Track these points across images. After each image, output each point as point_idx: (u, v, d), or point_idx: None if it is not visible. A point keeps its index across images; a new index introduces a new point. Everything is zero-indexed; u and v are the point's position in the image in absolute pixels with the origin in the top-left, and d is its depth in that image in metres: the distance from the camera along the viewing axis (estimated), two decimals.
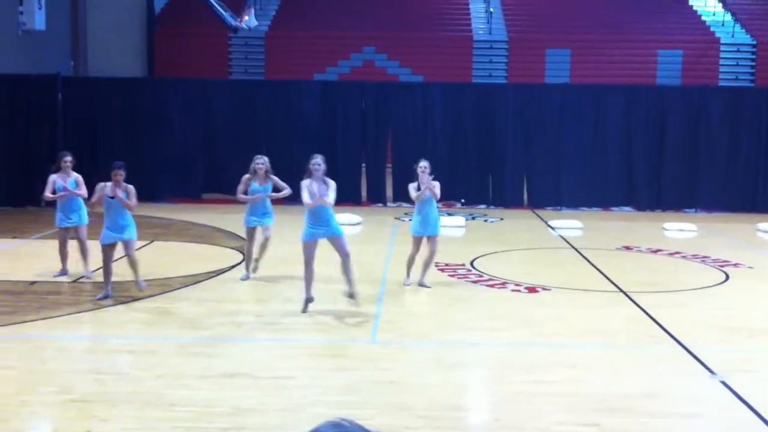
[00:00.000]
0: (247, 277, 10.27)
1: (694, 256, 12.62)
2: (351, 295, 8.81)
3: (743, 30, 28.81)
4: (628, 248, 13.29)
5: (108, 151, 17.05)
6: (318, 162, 8.85)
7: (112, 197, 9.07)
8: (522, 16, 29.74)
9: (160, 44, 26.86)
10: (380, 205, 18.07)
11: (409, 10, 29.40)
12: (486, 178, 18.22)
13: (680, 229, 15.30)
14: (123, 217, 9.15)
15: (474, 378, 7.16)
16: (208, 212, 16.10)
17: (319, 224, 8.68)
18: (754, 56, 28.01)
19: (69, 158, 10.26)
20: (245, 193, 10.08)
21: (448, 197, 17.60)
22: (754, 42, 28.00)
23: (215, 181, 17.96)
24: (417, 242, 10.07)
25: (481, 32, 28.85)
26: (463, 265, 11.55)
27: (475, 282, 10.45)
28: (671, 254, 12.82)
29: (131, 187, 9.19)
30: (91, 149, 17.30)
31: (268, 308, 9.07)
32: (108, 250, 9.14)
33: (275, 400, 6.26)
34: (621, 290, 10.08)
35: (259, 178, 10.09)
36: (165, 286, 9.90)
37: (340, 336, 8.05)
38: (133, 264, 9.22)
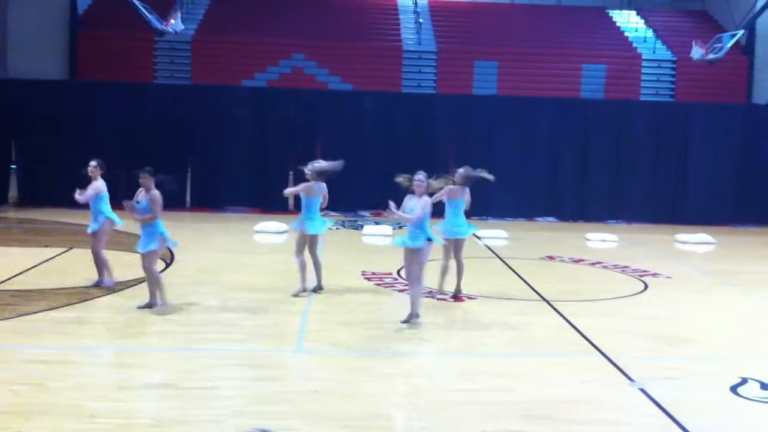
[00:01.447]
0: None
1: (615, 265, 12.92)
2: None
3: (664, 46, 29.70)
4: (551, 258, 13.52)
5: (28, 155, 16.58)
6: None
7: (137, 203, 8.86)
8: (451, 27, 30.06)
9: (84, 46, 26.21)
10: None
11: (339, 18, 29.42)
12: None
13: (602, 239, 15.65)
14: (142, 227, 8.94)
15: (400, 387, 7.14)
16: (130, 219, 15.70)
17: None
18: (674, 72, 28.89)
19: (94, 163, 10.05)
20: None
21: (377, 206, 17.66)
22: (675, 58, 28.87)
23: (138, 187, 17.56)
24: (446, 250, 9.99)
25: (410, 42, 29.04)
26: (390, 273, 11.56)
27: (401, 291, 10.47)
28: (593, 264, 13.10)
29: (154, 193, 8.93)
30: (6, 153, 16.77)
31: (191, 317, 8.90)
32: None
33: (198, 411, 6.14)
34: (544, 299, 10.23)
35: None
36: (84, 294, 9.64)
37: (264, 345, 7.95)
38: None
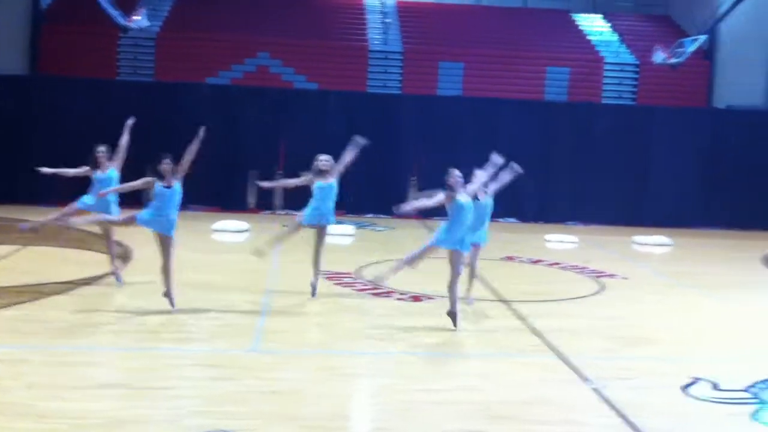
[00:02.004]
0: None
1: (573, 266, 13.04)
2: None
3: (627, 50, 30.03)
4: (510, 258, 13.61)
5: None
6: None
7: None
8: (417, 28, 30.11)
9: (47, 41, 25.83)
10: (269, 212, 17.91)
11: (305, 17, 29.32)
12: (378, 187, 18.33)
13: (561, 240, 15.80)
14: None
15: (360, 387, 7.16)
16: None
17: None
18: (636, 76, 29.21)
19: (102, 149, 10.13)
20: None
21: (339, 207, 17.63)
22: (637, 62, 29.19)
23: None
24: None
25: (377, 42, 29.04)
26: (350, 273, 11.57)
27: (360, 291, 10.48)
28: (551, 265, 13.22)
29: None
30: None
31: (147, 317, 8.82)
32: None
33: (153, 411, 6.09)
34: (503, 300, 10.30)
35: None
36: (37, 293, 9.50)
37: (222, 345, 7.91)
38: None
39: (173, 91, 18.50)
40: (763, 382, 7.33)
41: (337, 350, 7.93)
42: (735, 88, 28.75)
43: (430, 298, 10.26)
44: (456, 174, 8.93)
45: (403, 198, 18.35)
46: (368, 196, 17.83)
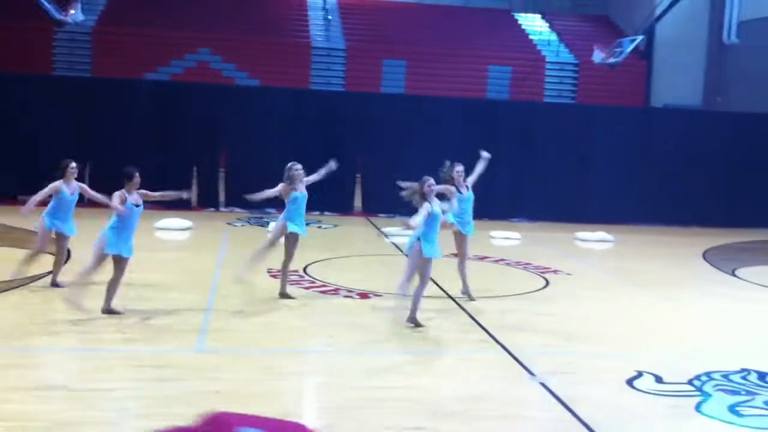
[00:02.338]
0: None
1: (517, 263, 13.16)
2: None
3: (567, 50, 30.47)
4: (455, 255, 13.63)
5: None
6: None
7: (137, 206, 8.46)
8: (360, 25, 30.09)
9: None
10: (212, 209, 17.68)
11: (246, 13, 29.06)
12: (322, 185, 18.17)
13: (506, 237, 15.93)
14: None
15: (305, 385, 7.10)
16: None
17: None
18: (576, 75, 29.67)
19: (74, 165, 9.66)
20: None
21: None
22: (577, 61, 29.65)
23: (34, 182, 16.92)
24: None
25: (319, 39, 28.94)
26: (296, 271, 11.47)
27: (307, 288, 10.41)
28: (496, 261, 13.31)
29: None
30: None
31: (90, 318, 8.60)
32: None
33: (94, 413, 5.94)
34: (450, 296, 10.33)
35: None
36: None
37: (165, 346, 7.75)
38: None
39: (111, 87, 18.12)
40: (706, 374, 7.48)
41: (283, 349, 7.84)
42: (672, 87, 29.45)
43: (377, 294, 10.23)
44: (430, 182, 8.93)
45: (347, 196, 18.35)
46: (312, 194, 17.67)
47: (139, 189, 8.63)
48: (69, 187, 9.62)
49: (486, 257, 13.62)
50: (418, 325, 8.66)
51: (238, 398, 6.37)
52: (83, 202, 10.05)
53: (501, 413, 6.37)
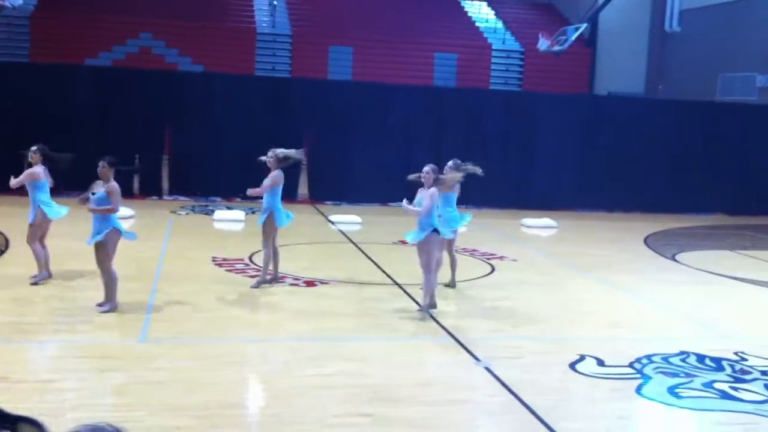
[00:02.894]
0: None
1: (464, 249, 13.22)
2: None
3: (513, 37, 30.68)
4: (404, 242, 13.65)
5: None
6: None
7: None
8: (306, 11, 29.89)
9: None
10: (155, 198, 17.40)
11: None
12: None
13: None
14: (95, 219, 8.30)
15: (251, 374, 7.04)
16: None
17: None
18: (522, 62, 29.91)
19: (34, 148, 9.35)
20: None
21: (229, 192, 17.32)
22: (523, 49, 29.88)
23: None
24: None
25: (264, 25, 28.67)
26: (242, 259, 11.37)
27: (253, 277, 10.31)
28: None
29: (112, 184, 8.37)
30: None
31: (27, 308, 8.41)
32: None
33: (32, 405, 5.78)
34: (397, 283, 10.34)
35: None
36: None
37: (106, 336, 7.61)
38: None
39: (50, 72, 17.67)
40: (646, 357, 7.61)
41: (227, 338, 7.76)
42: (615, 75, 29.89)
43: (324, 282, 10.19)
44: (429, 168, 8.99)
45: (293, 183, 18.21)
46: (258, 181, 17.49)
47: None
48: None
49: None
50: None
51: (180, 388, 6.29)
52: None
53: (447, 398, 6.40)
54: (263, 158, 9.91)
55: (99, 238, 8.23)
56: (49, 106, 17.06)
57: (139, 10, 27.00)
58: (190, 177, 17.61)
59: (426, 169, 9.02)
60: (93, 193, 8.33)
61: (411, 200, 8.93)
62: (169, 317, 8.29)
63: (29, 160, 9.40)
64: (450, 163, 10.09)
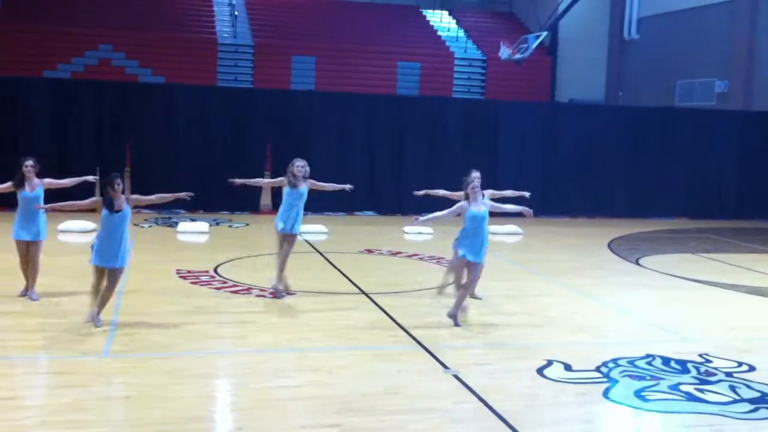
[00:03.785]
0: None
1: (430, 257, 13.24)
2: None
3: (474, 46, 30.85)
4: (370, 251, 13.66)
5: None
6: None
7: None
8: (268, 21, 29.80)
9: None
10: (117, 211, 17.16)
11: (149, 8, 28.40)
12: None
13: (419, 232, 16.00)
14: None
15: (216, 387, 6.95)
16: None
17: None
18: (484, 70, 30.08)
19: (31, 163, 9.12)
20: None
21: (192, 204, 17.12)
22: (485, 57, 30.05)
23: None
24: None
25: (226, 35, 28.51)
26: (207, 271, 11.25)
27: (218, 289, 10.21)
28: (410, 256, 13.36)
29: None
30: None
31: None
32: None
33: None
34: (363, 292, 10.30)
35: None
36: None
37: (68, 352, 7.46)
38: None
39: (7, 85, 17.39)
40: (613, 361, 7.65)
41: (192, 351, 7.66)
42: (576, 82, 30.20)
43: (290, 293, 10.11)
44: (475, 178, 9.15)
45: (257, 194, 18.11)
46: (221, 193, 17.35)
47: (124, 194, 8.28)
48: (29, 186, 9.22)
49: (399, 252, 13.66)
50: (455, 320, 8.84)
51: (144, 403, 6.19)
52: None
53: (415, 407, 6.37)
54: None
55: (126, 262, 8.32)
56: (8, 118, 16.79)
57: (98, 22, 26.71)
58: (152, 189, 17.32)
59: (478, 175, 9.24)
60: (118, 211, 8.20)
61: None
62: (132, 331, 8.15)
63: (25, 173, 9.18)
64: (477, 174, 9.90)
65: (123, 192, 8.28)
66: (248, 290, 10.21)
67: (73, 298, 9.35)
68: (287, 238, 9.92)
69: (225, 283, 10.61)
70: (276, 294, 9.78)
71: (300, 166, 9.98)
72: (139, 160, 17.77)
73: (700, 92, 26.31)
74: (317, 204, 18.10)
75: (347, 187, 10.29)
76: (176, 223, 15.65)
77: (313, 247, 14.00)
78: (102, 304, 8.23)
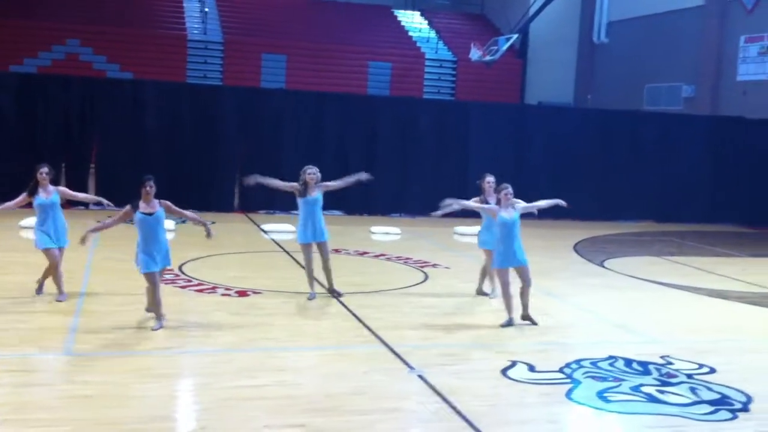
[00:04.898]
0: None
1: (397, 257, 13.26)
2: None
3: (446, 47, 30.95)
4: (337, 251, 13.61)
5: None
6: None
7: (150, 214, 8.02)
8: (238, 18, 29.65)
9: None
10: (81, 207, 16.98)
11: (118, 4, 28.14)
12: (199, 181, 17.81)
13: (386, 232, 16.04)
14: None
15: (180, 387, 6.91)
16: None
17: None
18: (454, 72, 30.19)
19: (45, 170, 8.98)
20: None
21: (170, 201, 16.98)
22: (455, 59, 30.16)
23: None
24: (488, 254, 10.01)
25: (195, 32, 28.33)
26: (172, 270, 11.15)
27: (183, 287, 10.15)
28: (377, 256, 13.38)
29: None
30: None
31: None
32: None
33: None
34: (329, 291, 10.27)
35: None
36: None
37: (33, 349, 7.38)
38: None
39: None
40: (576, 362, 7.72)
41: (155, 350, 7.60)
42: (545, 85, 30.41)
43: (256, 292, 10.08)
44: (508, 190, 9.26)
45: (227, 193, 18.02)
46: (189, 191, 17.23)
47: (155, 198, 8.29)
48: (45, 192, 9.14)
49: (366, 252, 13.67)
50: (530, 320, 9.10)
51: (107, 402, 6.14)
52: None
53: (380, 407, 6.38)
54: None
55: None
56: None
57: (66, 16, 26.41)
58: (118, 186, 17.21)
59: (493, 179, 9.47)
60: (150, 213, 8.28)
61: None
62: (95, 330, 8.08)
63: (40, 180, 9.09)
64: (492, 179, 10.14)
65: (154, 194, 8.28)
66: (213, 289, 10.16)
67: (39, 296, 9.25)
68: (318, 247, 9.91)
69: (190, 281, 10.55)
70: (335, 295, 9.91)
71: (312, 173, 9.86)
72: (106, 157, 17.59)
73: (667, 96, 26.64)
74: (285, 203, 18.06)
75: (363, 176, 10.19)
76: None
77: (280, 246, 13.96)
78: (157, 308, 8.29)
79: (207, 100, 18.12)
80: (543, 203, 9.63)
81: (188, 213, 8.73)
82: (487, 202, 9.97)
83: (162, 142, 17.63)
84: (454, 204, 9.30)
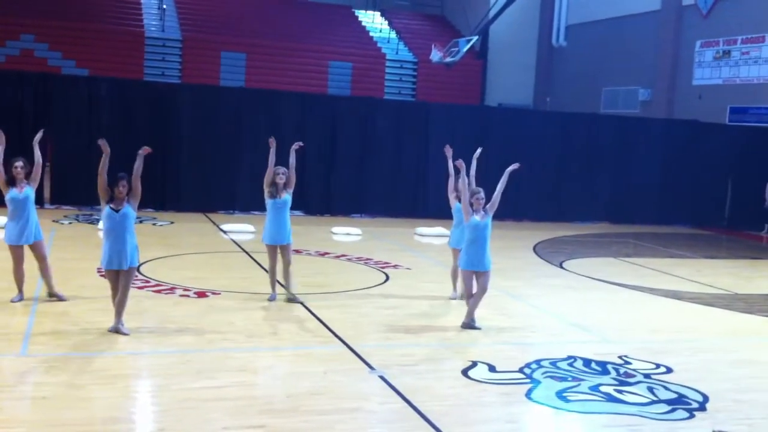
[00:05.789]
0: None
1: (358, 258, 13.23)
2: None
3: (406, 48, 30.98)
4: (297, 251, 13.53)
5: None
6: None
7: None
8: (197, 15, 29.36)
9: None
10: (36, 206, 16.66)
11: None
12: (158, 181, 17.57)
13: (347, 233, 16.00)
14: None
15: (138, 388, 6.80)
16: None
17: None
18: (415, 73, 30.23)
19: (20, 164, 8.83)
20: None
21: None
22: (416, 59, 30.21)
23: None
24: (456, 254, 9.96)
25: (153, 29, 27.98)
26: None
27: (141, 288, 9.99)
28: (338, 257, 13.33)
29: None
30: None
31: None
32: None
33: None
34: (288, 292, 10.20)
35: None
36: None
37: None
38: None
39: None
40: (536, 362, 7.77)
41: (111, 351, 7.48)
42: (505, 87, 30.61)
43: (215, 293, 9.97)
44: (479, 195, 9.48)
45: (183, 192, 17.81)
46: (148, 190, 16.96)
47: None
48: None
49: (327, 253, 13.61)
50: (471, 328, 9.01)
51: (61, 403, 6.02)
52: None
53: (340, 407, 6.35)
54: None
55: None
56: None
57: (21, 11, 25.91)
58: (73, 185, 16.95)
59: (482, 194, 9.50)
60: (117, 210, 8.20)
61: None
62: (50, 331, 7.93)
63: (15, 175, 8.95)
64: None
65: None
66: (171, 290, 10.04)
67: (54, 299, 9.09)
68: (281, 249, 9.85)
69: (148, 282, 10.40)
70: (293, 300, 9.75)
71: (282, 173, 9.81)
72: (61, 155, 17.30)
73: (624, 100, 26.98)
74: (244, 203, 17.95)
75: (298, 144, 10.51)
76: (97, 221, 15.23)
77: (239, 246, 13.84)
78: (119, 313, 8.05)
79: (165, 98, 17.90)
80: (501, 185, 9.57)
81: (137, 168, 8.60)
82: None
83: (117, 139, 17.25)
84: (474, 162, 9.99)
